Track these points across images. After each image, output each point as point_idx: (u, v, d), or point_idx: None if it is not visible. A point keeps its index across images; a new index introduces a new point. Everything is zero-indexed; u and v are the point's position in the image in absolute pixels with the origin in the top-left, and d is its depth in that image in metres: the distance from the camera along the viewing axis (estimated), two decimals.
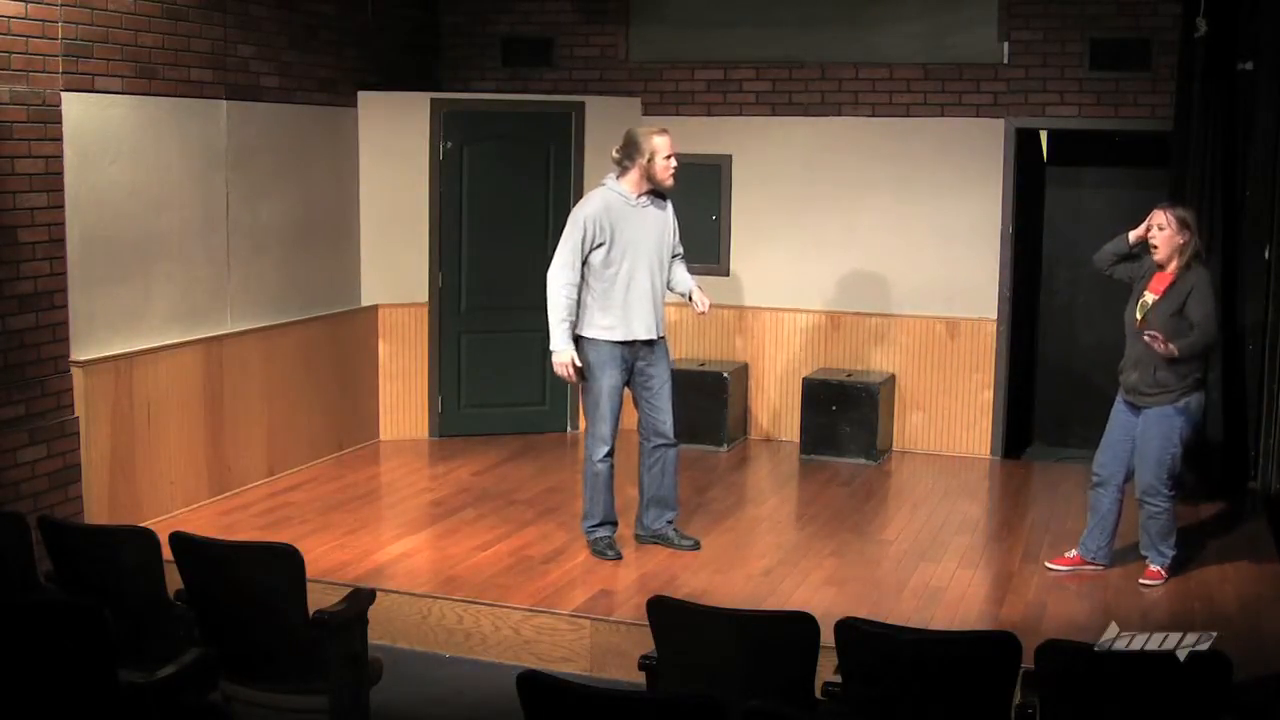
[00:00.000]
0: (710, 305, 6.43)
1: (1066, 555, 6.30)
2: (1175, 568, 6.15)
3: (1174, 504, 6.11)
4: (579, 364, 6.15)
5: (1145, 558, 6.15)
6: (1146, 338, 5.86)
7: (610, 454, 6.27)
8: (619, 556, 6.28)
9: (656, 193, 6.25)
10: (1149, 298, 6.01)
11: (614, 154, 6.24)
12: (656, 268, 6.25)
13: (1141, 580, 6.08)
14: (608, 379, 6.20)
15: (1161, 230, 5.95)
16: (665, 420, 6.34)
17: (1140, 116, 8.08)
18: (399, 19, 8.92)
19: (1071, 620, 5.56)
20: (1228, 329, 7.54)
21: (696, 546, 6.44)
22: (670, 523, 6.48)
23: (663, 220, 6.29)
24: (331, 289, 8.26)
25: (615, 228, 6.13)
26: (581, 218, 6.13)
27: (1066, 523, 6.94)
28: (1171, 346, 5.81)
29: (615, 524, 6.40)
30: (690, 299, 6.40)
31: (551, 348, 6.17)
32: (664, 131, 6.20)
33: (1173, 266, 5.97)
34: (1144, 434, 6.03)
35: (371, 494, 7.53)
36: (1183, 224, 5.93)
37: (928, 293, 8.53)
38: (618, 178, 6.22)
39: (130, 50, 6.53)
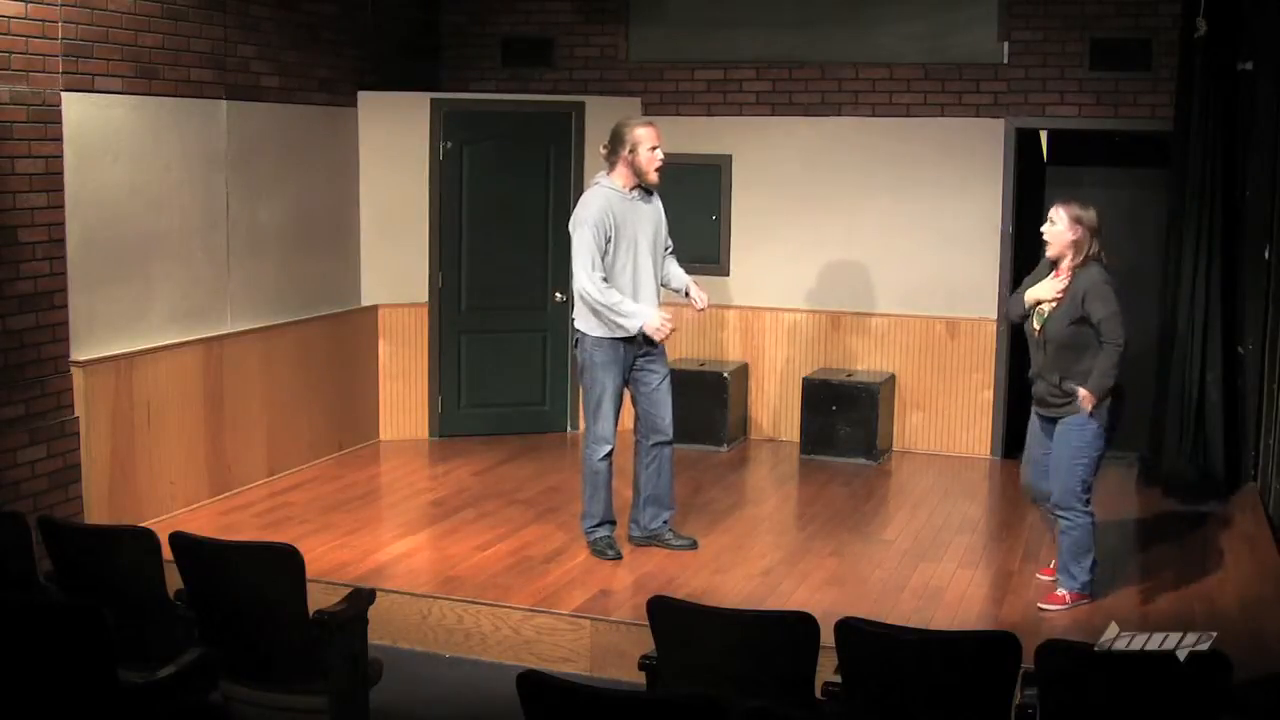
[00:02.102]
0: (708, 302, 6.42)
1: (1053, 565, 6.06)
2: (1095, 592, 5.76)
3: (1091, 521, 5.70)
4: (667, 317, 6.11)
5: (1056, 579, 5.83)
6: (1080, 401, 5.52)
7: (610, 453, 6.27)
8: (619, 556, 6.28)
9: (645, 188, 6.24)
10: (1045, 306, 5.67)
11: (601, 149, 6.23)
12: (655, 262, 6.25)
13: (1041, 604, 5.72)
14: (611, 378, 6.19)
15: (1053, 225, 5.64)
16: (665, 417, 6.32)
17: (1140, 116, 8.08)
18: (399, 19, 8.92)
19: (1071, 620, 5.55)
20: (1228, 329, 7.56)
21: (694, 546, 6.44)
22: (666, 523, 6.46)
23: (655, 214, 6.28)
24: (331, 289, 8.26)
25: (618, 224, 6.12)
26: (590, 220, 6.07)
27: None
28: (1084, 393, 5.51)
29: (614, 523, 6.40)
30: (688, 295, 6.39)
31: (636, 328, 6.05)
32: (649, 123, 6.18)
33: (1066, 264, 5.64)
34: (1056, 443, 5.69)
35: (371, 494, 7.53)
36: (1075, 220, 5.59)
37: (928, 293, 8.52)
38: (608, 174, 6.20)
39: (130, 50, 6.53)
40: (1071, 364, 5.62)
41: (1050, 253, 5.69)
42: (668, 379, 6.34)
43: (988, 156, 8.33)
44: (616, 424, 6.29)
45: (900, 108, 8.52)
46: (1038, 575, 6.14)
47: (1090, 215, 5.63)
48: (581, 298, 6.11)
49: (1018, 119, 8.31)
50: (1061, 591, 5.74)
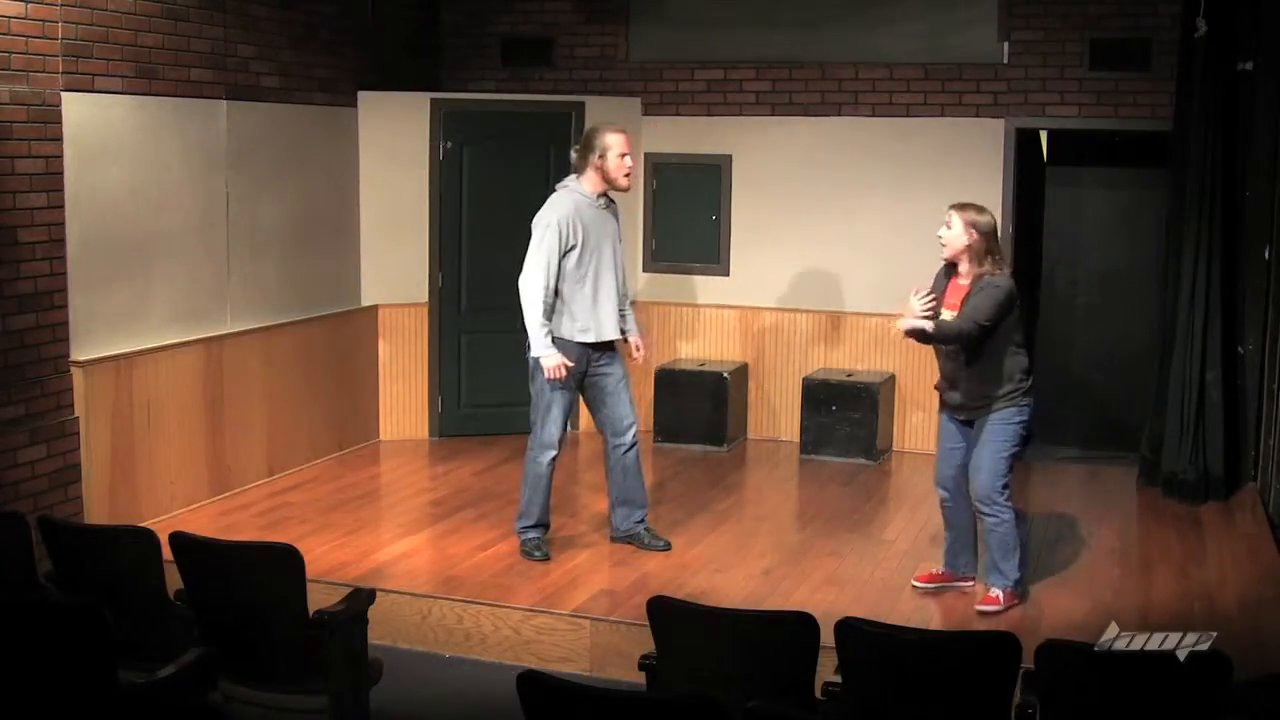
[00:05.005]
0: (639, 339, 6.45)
1: (934, 571, 6.00)
2: (1024, 592, 5.73)
3: (1015, 516, 5.64)
4: (569, 364, 6.08)
5: (987, 581, 5.71)
6: (904, 326, 5.47)
7: (555, 458, 6.23)
8: (546, 557, 6.24)
9: (609, 196, 6.20)
10: (946, 314, 5.55)
11: (572, 152, 6.23)
12: (616, 268, 6.22)
13: (978, 606, 5.62)
14: (561, 383, 6.11)
15: (948, 229, 5.52)
16: (624, 420, 6.27)
17: (1140, 116, 8.08)
18: (399, 19, 8.92)
19: (1071, 620, 5.55)
20: (1228, 329, 7.55)
21: (667, 548, 6.40)
22: (640, 522, 6.44)
23: (616, 224, 6.27)
24: (331, 289, 8.26)
25: (585, 230, 6.09)
26: (555, 221, 6.02)
27: (1066, 522, 6.94)
28: (918, 323, 5.42)
29: (548, 526, 6.38)
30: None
31: (537, 354, 6.03)
32: (621, 130, 6.13)
33: (966, 271, 5.52)
34: (979, 439, 5.59)
35: (371, 494, 7.53)
36: (970, 225, 5.46)
37: None
38: (578, 178, 6.17)
39: (130, 50, 6.53)
40: (986, 366, 5.52)
41: (945, 255, 5.60)
42: (624, 381, 6.30)
43: (988, 156, 8.32)
44: (565, 428, 6.27)
45: (900, 108, 8.52)
46: (914, 583, 5.96)
47: (986, 220, 5.52)
48: (521, 292, 6.04)
49: (1018, 119, 8.31)
50: (995, 592, 5.64)
